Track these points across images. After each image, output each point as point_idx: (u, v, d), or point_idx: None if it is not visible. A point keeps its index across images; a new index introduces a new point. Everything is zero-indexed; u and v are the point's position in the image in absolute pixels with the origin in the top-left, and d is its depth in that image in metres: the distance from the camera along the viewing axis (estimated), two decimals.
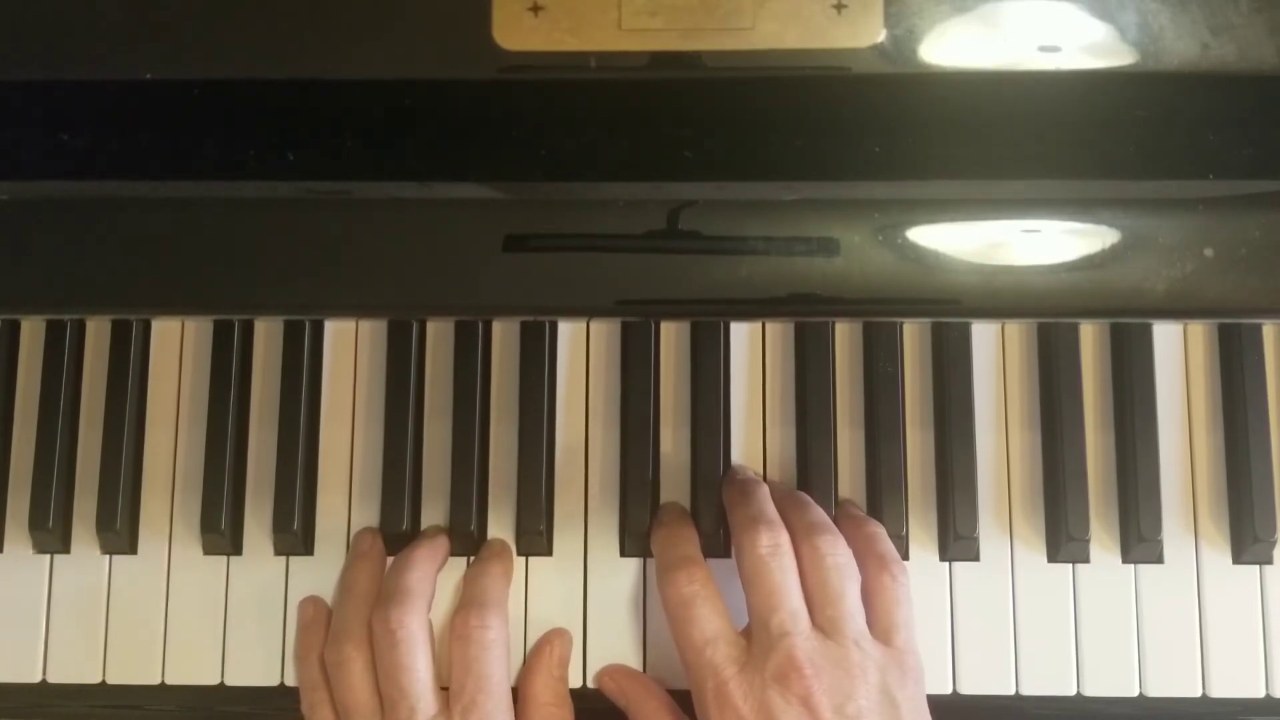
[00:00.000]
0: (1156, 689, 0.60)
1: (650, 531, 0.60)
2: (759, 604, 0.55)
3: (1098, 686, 0.60)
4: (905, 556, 0.60)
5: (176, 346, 0.63)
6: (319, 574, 0.61)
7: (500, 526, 0.62)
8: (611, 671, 0.60)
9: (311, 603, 0.61)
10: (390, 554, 0.61)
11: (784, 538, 0.56)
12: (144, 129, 0.56)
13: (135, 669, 0.61)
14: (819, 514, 0.58)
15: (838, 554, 0.55)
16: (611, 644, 0.61)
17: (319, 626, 0.60)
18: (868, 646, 0.54)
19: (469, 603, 0.58)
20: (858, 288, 0.56)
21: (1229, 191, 0.56)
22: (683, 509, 0.61)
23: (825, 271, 0.56)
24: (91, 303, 0.59)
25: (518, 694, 0.58)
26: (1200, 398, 0.62)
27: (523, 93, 0.56)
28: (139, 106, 0.56)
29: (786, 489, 0.60)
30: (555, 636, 0.60)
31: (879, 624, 0.55)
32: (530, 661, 0.60)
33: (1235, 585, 0.61)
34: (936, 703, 0.56)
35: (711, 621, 0.55)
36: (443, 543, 0.60)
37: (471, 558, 0.61)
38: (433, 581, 0.59)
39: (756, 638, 0.54)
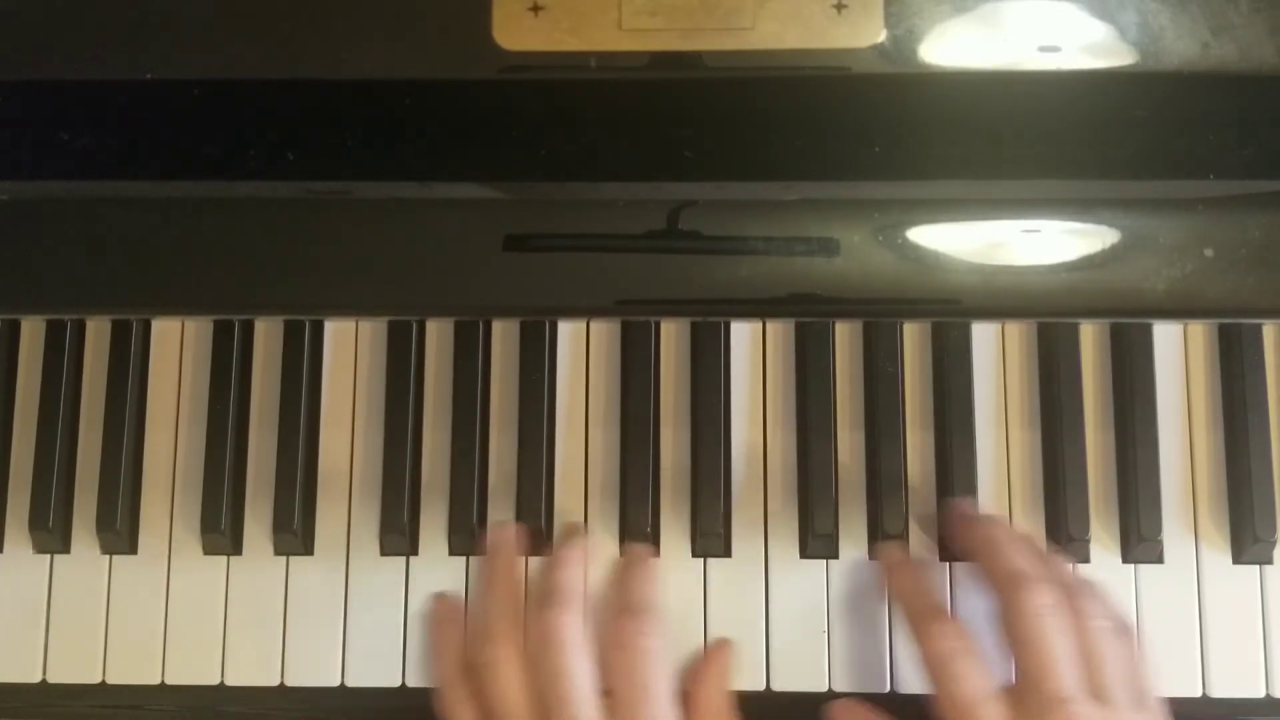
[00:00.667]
0: (1156, 689, 0.60)
1: (887, 576, 0.59)
2: (1032, 666, 0.52)
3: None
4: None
5: (176, 346, 0.63)
6: (319, 574, 0.61)
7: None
8: (847, 705, 0.58)
9: (443, 599, 0.60)
10: (387, 555, 0.61)
11: (1058, 598, 0.53)
12: (144, 129, 0.56)
13: (135, 669, 0.61)
14: (1069, 571, 0.57)
15: (1102, 617, 0.54)
16: None
17: (454, 623, 0.59)
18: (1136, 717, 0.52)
19: (625, 609, 0.57)
20: (858, 288, 0.56)
21: (1229, 191, 0.56)
22: (906, 551, 0.60)
23: (825, 271, 0.56)
24: (91, 303, 0.59)
25: (685, 701, 0.57)
26: (1200, 398, 0.62)
27: (523, 93, 0.56)
28: (139, 106, 0.56)
29: (1025, 538, 0.58)
30: (724, 646, 0.59)
31: (1129, 690, 0.53)
32: (699, 669, 0.59)
33: (1235, 585, 0.61)
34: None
35: (977, 678, 0.53)
36: (584, 541, 0.60)
37: (471, 558, 0.61)
38: (584, 582, 0.58)
39: (1027, 700, 0.52)
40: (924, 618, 0.56)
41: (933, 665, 0.54)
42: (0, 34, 0.56)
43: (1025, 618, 0.53)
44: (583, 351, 0.63)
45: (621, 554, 0.60)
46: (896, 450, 0.61)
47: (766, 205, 0.56)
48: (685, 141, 0.55)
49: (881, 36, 0.54)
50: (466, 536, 0.60)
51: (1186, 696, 0.60)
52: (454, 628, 0.59)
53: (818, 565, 0.60)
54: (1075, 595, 0.54)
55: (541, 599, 0.57)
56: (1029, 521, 0.61)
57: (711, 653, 0.59)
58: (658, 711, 0.54)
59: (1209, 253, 0.55)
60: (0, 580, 0.62)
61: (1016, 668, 0.54)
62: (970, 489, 0.60)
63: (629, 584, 0.58)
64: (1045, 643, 0.52)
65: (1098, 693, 0.52)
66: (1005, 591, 0.54)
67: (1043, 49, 0.55)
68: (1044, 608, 0.53)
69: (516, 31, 0.54)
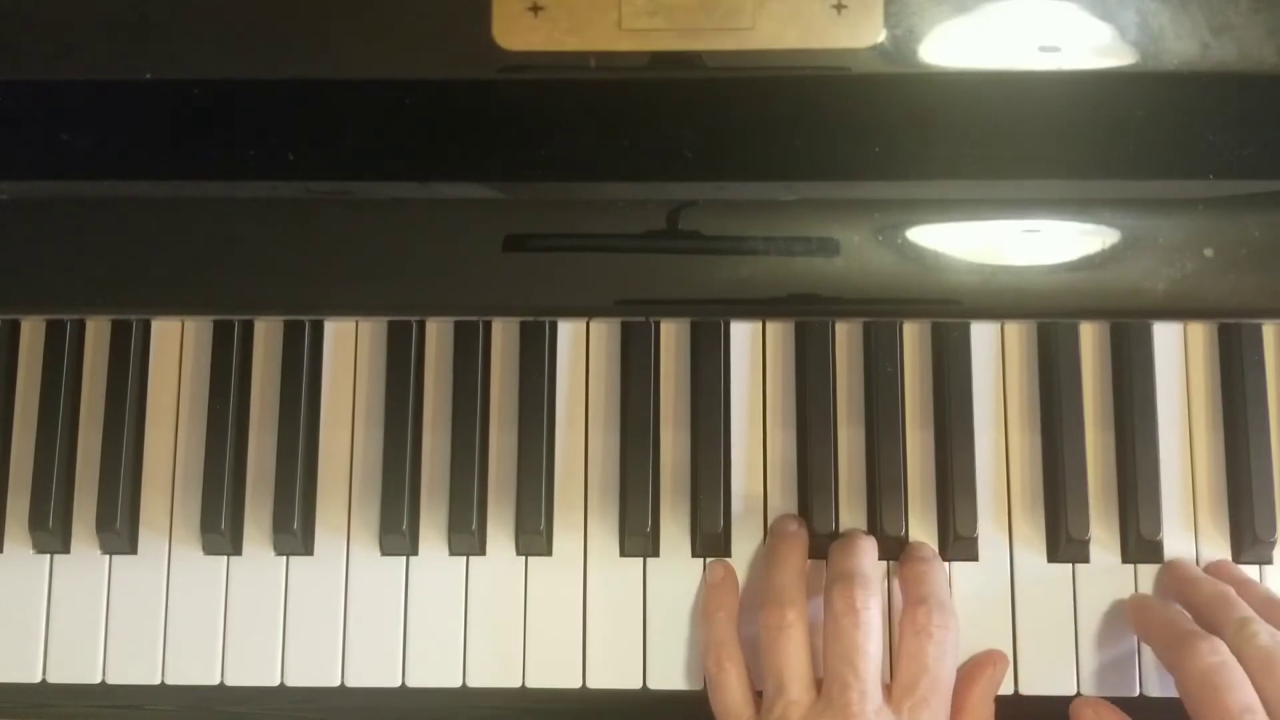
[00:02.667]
0: (1156, 689, 0.60)
1: (1134, 615, 0.59)
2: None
3: (1098, 686, 0.60)
4: None
5: (176, 346, 0.63)
6: (319, 574, 0.61)
7: (500, 526, 0.62)
8: (1094, 704, 0.58)
9: (721, 565, 0.61)
10: (387, 555, 0.61)
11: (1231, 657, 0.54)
12: (144, 129, 0.56)
13: (135, 669, 0.61)
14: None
15: None
16: (612, 643, 0.61)
17: (729, 587, 0.60)
18: None
19: (928, 600, 0.57)
20: (858, 288, 0.56)
21: (1229, 191, 0.56)
22: (1146, 596, 0.60)
23: (825, 271, 0.56)
24: (91, 303, 0.59)
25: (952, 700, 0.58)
26: (1200, 398, 0.62)
27: (523, 93, 0.56)
28: (139, 106, 0.56)
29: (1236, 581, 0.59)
30: (999, 658, 0.60)
31: None
32: (971, 672, 0.59)
33: None
34: None
35: (1245, 690, 0.53)
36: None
37: (471, 558, 0.61)
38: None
39: None
40: (1184, 639, 0.55)
41: (1199, 680, 0.54)
42: (0, 34, 0.56)
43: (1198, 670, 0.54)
44: (583, 351, 0.63)
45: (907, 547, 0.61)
46: (896, 450, 0.61)
47: (766, 205, 0.56)
48: (685, 141, 0.55)
49: (881, 36, 0.54)
50: (466, 536, 0.60)
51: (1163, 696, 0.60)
52: (728, 591, 0.60)
53: (818, 565, 0.60)
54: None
55: (842, 578, 0.57)
56: (1029, 522, 0.61)
57: (984, 659, 0.59)
58: (943, 705, 0.56)
59: (1209, 253, 0.55)
60: (0, 580, 0.62)
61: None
62: (970, 489, 0.60)
63: (929, 579, 0.59)
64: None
65: None
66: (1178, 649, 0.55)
67: (1043, 49, 0.55)
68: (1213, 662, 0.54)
69: (516, 31, 0.54)
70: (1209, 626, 0.56)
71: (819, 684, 0.56)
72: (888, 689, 0.56)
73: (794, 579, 0.58)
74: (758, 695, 0.58)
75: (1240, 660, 0.54)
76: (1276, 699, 0.53)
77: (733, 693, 0.58)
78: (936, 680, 0.56)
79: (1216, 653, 0.54)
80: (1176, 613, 0.58)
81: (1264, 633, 0.54)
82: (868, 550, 0.59)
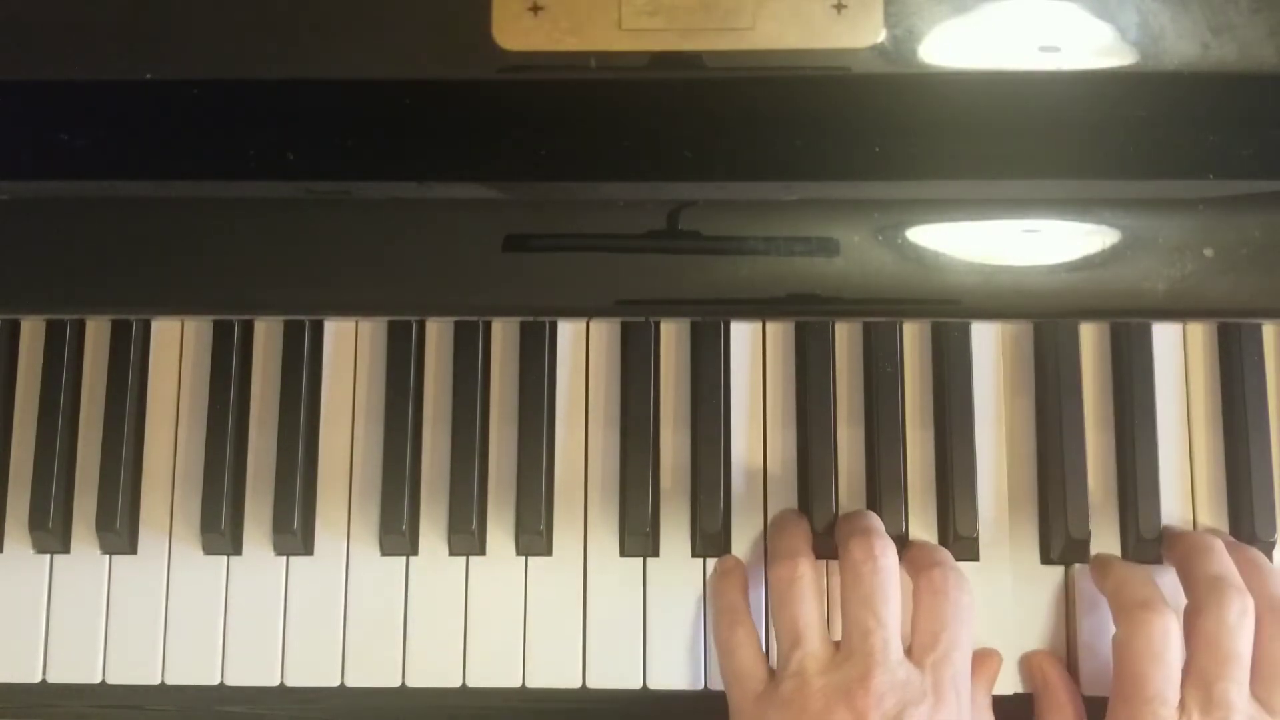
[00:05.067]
0: None
1: (1103, 577, 0.59)
2: (1209, 667, 0.54)
3: (1098, 686, 0.60)
4: None
5: (176, 346, 0.63)
6: (319, 574, 0.61)
7: (500, 526, 0.62)
8: (1040, 655, 0.59)
9: (730, 557, 0.61)
10: (387, 555, 0.61)
11: (1250, 604, 0.55)
12: (144, 129, 0.56)
13: (135, 669, 0.61)
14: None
15: None
16: (612, 643, 0.61)
17: (739, 573, 0.60)
18: None
19: (942, 564, 0.57)
20: (858, 288, 0.56)
21: (1229, 191, 0.56)
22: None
23: (825, 271, 0.56)
24: (91, 303, 0.59)
25: None
26: (1200, 398, 0.62)
27: (523, 93, 0.56)
28: (139, 106, 0.56)
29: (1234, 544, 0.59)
30: (994, 654, 0.60)
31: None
32: (973, 665, 0.59)
33: None
34: None
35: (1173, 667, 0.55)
36: None
37: (471, 558, 0.61)
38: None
39: (1198, 692, 0.54)
40: (1141, 606, 0.56)
41: (1140, 648, 0.55)
42: (0, 34, 0.56)
43: (1221, 622, 0.54)
44: (583, 351, 0.63)
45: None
46: (896, 450, 0.61)
47: (766, 205, 0.56)
48: (685, 141, 0.55)
49: (881, 36, 0.55)
50: (466, 536, 0.60)
51: None
52: (738, 574, 0.60)
53: (818, 566, 0.60)
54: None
55: (858, 532, 0.57)
56: (1028, 522, 0.61)
57: (979, 655, 0.59)
58: (964, 662, 0.55)
59: (1209, 253, 0.55)
60: (0, 580, 0.62)
61: (1197, 662, 0.55)
62: (970, 489, 0.60)
63: (936, 550, 0.59)
64: (1233, 646, 0.54)
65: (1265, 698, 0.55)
66: (1198, 597, 0.56)
67: (1043, 49, 0.55)
68: (1238, 613, 0.54)
69: (516, 31, 0.54)
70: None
71: (836, 645, 0.56)
72: (907, 649, 0.56)
73: (802, 539, 0.59)
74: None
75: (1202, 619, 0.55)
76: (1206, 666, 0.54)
77: (746, 655, 0.57)
78: (956, 638, 0.55)
79: (1170, 629, 0.55)
80: (1136, 570, 0.58)
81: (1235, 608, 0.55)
82: (878, 518, 0.59)
